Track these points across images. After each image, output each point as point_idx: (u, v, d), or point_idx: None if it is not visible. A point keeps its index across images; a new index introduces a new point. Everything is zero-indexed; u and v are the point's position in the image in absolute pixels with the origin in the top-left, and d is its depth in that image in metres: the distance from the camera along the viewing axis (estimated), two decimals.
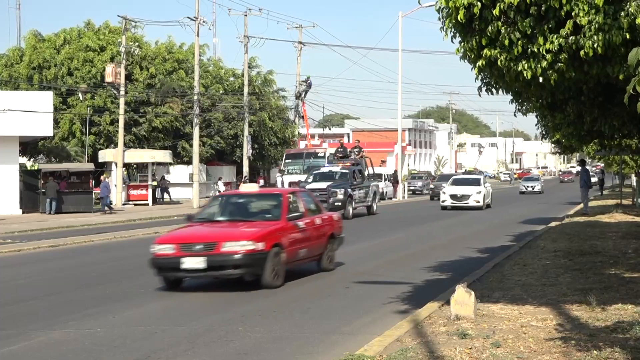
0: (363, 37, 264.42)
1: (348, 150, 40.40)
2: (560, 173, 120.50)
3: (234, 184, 58.87)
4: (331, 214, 16.84)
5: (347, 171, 34.74)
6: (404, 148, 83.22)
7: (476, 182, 40.65)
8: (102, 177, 41.18)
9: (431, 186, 57.26)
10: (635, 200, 38.19)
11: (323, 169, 36.38)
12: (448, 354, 7.94)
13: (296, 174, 43.20)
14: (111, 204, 40.16)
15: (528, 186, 64.10)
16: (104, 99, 50.56)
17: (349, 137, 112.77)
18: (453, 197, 38.57)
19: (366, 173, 37.95)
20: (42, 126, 37.76)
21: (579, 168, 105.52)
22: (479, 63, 9.15)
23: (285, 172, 45.05)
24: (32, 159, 50.18)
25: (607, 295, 11.03)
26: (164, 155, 49.15)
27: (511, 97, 11.62)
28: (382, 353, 8.12)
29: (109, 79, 46.01)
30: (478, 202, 38.45)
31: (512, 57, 8.87)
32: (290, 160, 45.81)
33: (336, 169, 35.55)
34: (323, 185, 32.70)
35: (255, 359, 8.69)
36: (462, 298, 9.65)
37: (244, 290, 13.42)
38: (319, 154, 45.46)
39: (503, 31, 8.77)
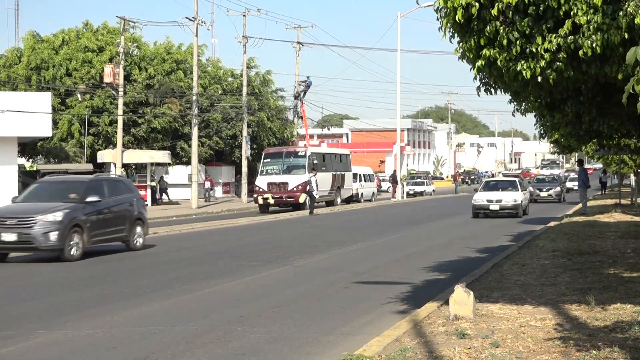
0: (362, 38, 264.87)
1: None
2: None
3: (233, 184, 58.85)
4: None
5: None
6: (402, 148, 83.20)
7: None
8: None
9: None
10: (634, 199, 38.18)
11: None
12: (447, 354, 7.94)
13: (275, 174, 40.20)
14: None
15: None
16: (102, 99, 50.53)
17: (347, 137, 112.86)
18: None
19: None
20: (40, 127, 37.68)
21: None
22: (478, 63, 9.14)
23: (264, 173, 41.44)
24: (31, 160, 50.15)
25: (606, 295, 11.02)
26: (163, 156, 49.16)
27: (510, 97, 11.61)
28: (381, 353, 8.11)
29: (107, 79, 45.95)
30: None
31: (511, 57, 8.86)
32: (269, 160, 42.28)
33: None
34: None
35: None
36: (461, 298, 9.64)
37: (242, 291, 13.45)
38: (299, 153, 42.58)
39: (501, 31, 8.77)
